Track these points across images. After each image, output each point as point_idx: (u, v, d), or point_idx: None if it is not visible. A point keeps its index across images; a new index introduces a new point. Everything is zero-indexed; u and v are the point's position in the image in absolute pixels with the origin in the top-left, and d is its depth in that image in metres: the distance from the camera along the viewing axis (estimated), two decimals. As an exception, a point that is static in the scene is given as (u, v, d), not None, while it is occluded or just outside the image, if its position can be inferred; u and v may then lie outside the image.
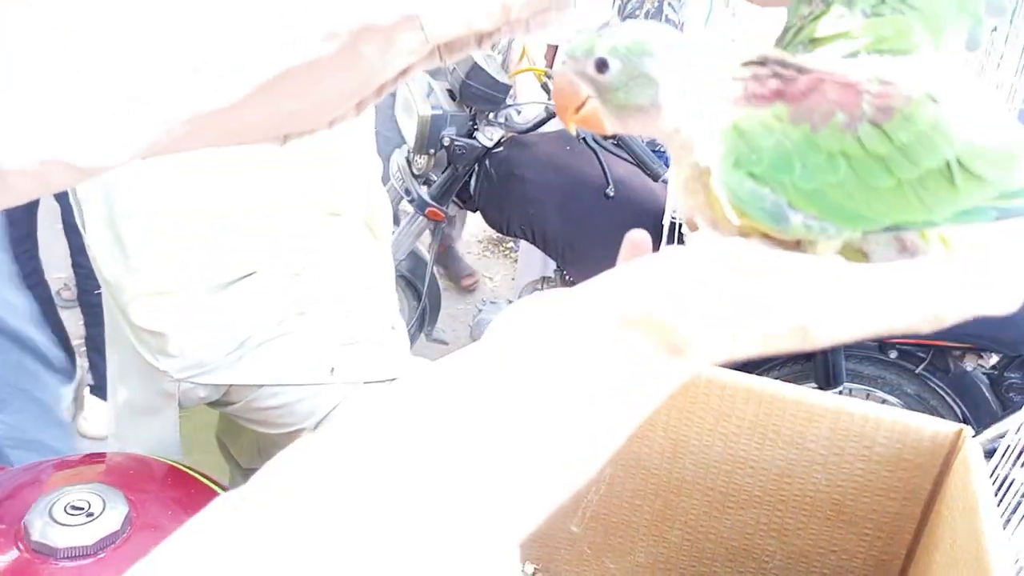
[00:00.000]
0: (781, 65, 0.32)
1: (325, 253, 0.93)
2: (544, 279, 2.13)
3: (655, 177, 2.00)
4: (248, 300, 0.88)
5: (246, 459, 1.10)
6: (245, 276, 0.88)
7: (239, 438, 1.10)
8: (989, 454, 1.09)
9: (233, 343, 0.88)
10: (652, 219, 1.83)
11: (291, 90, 0.33)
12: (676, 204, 0.37)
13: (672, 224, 1.76)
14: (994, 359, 1.80)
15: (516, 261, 3.13)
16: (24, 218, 2.15)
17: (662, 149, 2.08)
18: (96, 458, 0.96)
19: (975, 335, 1.62)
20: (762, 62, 0.33)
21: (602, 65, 0.36)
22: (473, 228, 3.49)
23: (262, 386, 0.90)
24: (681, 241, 1.74)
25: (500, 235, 2.46)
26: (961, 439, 0.62)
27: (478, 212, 2.11)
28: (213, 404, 0.95)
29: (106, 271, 0.87)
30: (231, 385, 0.90)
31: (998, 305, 0.30)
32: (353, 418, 0.28)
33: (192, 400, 0.92)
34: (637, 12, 2.13)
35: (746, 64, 0.33)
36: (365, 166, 1.01)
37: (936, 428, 0.63)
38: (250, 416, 0.94)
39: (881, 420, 0.65)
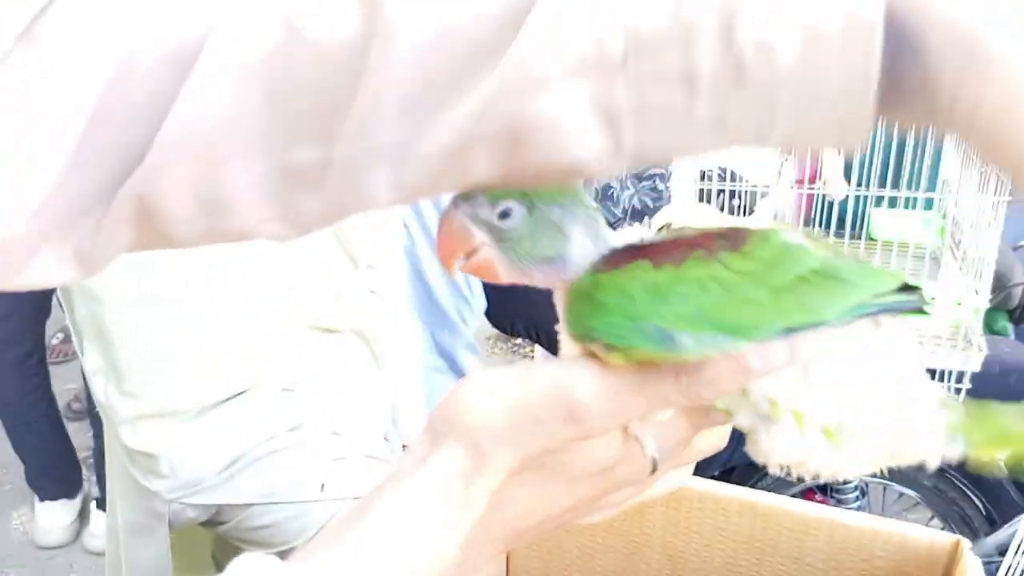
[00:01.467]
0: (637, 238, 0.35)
1: (317, 368, 0.93)
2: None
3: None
4: (239, 418, 0.88)
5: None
6: (236, 395, 0.88)
7: (233, 557, 1.08)
8: (1003, 551, 1.05)
9: (224, 462, 0.88)
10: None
11: None
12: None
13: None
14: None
15: (524, 358, 3.12)
16: (31, 330, 2.19)
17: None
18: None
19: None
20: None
21: (505, 213, 0.34)
22: (481, 324, 3.49)
23: (253, 505, 0.89)
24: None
25: (506, 333, 2.46)
26: (959, 551, 0.60)
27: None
28: (204, 523, 0.93)
29: (99, 393, 0.88)
30: (222, 505, 0.89)
31: None
32: None
33: (182, 520, 0.91)
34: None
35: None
36: (361, 284, 1.02)
37: (932, 539, 0.61)
38: (241, 535, 0.92)
39: (878, 532, 0.63)
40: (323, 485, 0.89)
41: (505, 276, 0.35)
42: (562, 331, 0.35)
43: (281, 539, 0.90)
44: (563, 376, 0.31)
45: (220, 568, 1.06)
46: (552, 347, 2.05)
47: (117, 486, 0.97)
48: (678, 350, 0.30)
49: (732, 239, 0.32)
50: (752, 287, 0.31)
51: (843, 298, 0.32)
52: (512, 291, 2.00)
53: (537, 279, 0.35)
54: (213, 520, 0.92)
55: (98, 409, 0.91)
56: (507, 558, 0.78)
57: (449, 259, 0.35)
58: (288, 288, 0.91)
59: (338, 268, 0.97)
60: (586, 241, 0.34)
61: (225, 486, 0.88)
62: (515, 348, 3.50)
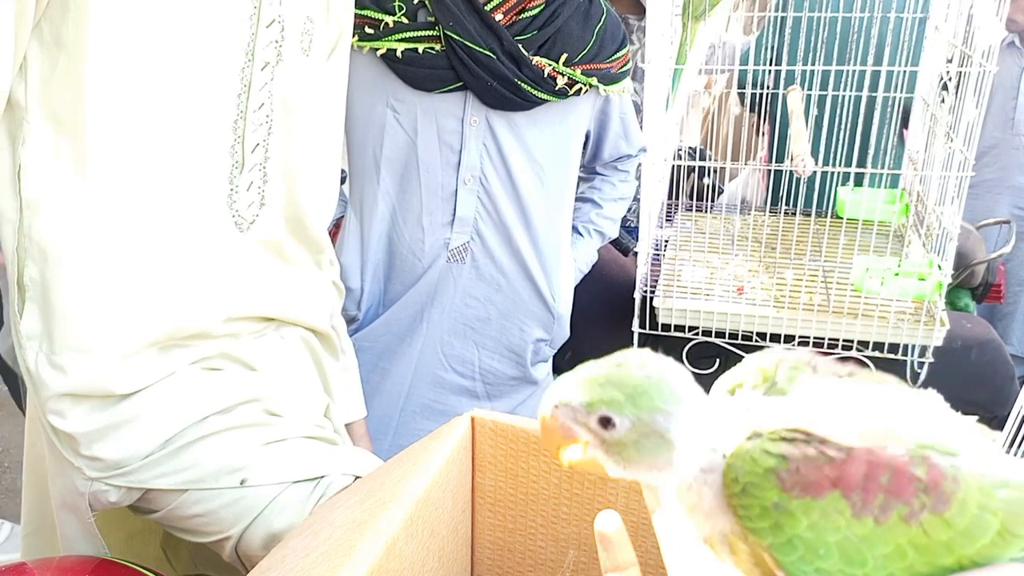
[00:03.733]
0: (817, 442, 0.32)
1: (249, 350, 0.91)
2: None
3: (625, 252, 2.00)
4: (166, 401, 0.85)
5: (182, 568, 1.05)
6: (164, 377, 0.86)
7: (177, 547, 1.06)
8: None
9: (152, 446, 0.85)
10: (624, 293, 1.81)
11: None
12: (701, 550, 0.37)
13: (643, 298, 1.75)
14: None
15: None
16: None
17: (632, 225, 2.08)
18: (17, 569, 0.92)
19: (951, 398, 1.59)
20: (793, 438, 0.33)
21: (607, 422, 0.34)
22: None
23: (185, 491, 0.86)
24: (653, 315, 1.72)
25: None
26: None
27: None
28: (138, 511, 0.91)
29: (31, 361, 0.83)
30: (149, 490, 0.86)
31: None
32: None
33: (101, 503, 0.87)
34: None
35: (780, 439, 0.33)
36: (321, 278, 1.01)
37: None
38: (175, 524, 0.89)
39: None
40: (243, 480, 0.86)
41: (612, 474, 0.36)
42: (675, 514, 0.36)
43: (216, 528, 0.87)
44: None
45: (169, 561, 1.02)
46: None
47: (48, 457, 0.93)
48: None
49: (934, 492, 0.31)
50: (944, 554, 0.31)
51: (1007, 552, 0.32)
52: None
53: (642, 477, 0.36)
54: (144, 508, 0.89)
55: (26, 379, 0.87)
56: (471, 527, 0.76)
57: (556, 452, 0.36)
58: (224, 275, 0.89)
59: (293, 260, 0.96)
60: (694, 443, 0.34)
61: (151, 470, 0.85)
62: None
